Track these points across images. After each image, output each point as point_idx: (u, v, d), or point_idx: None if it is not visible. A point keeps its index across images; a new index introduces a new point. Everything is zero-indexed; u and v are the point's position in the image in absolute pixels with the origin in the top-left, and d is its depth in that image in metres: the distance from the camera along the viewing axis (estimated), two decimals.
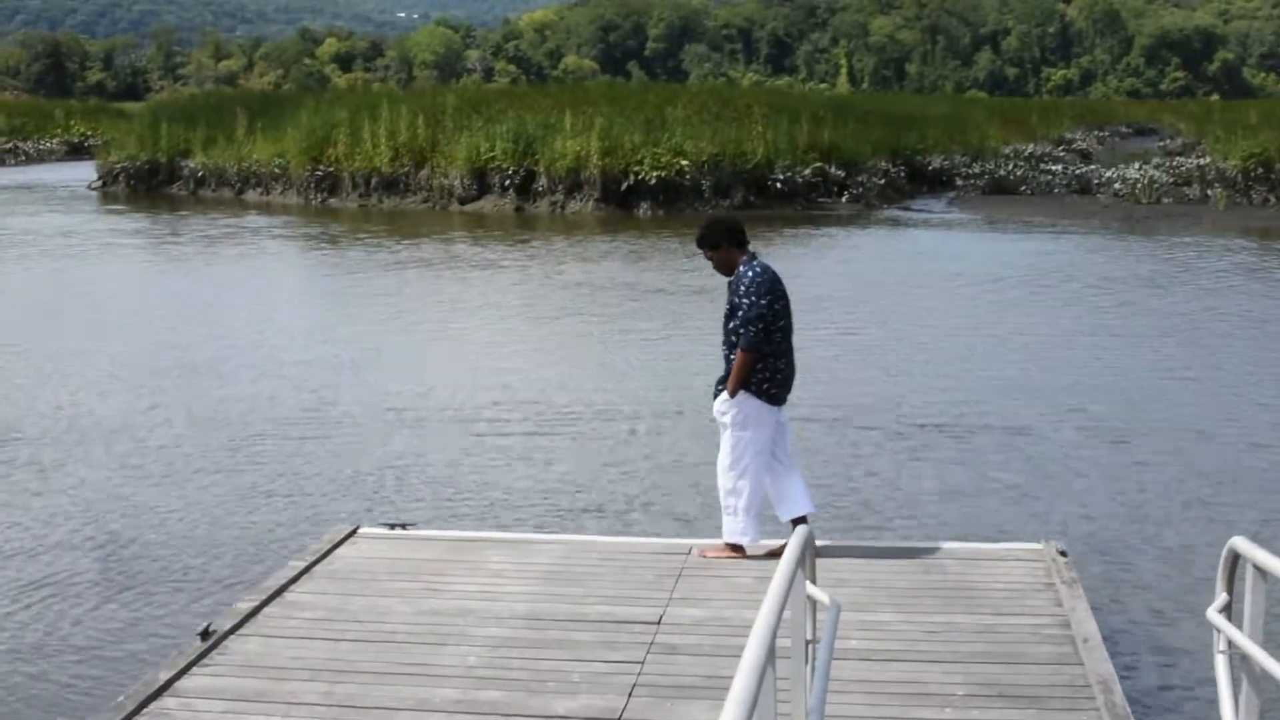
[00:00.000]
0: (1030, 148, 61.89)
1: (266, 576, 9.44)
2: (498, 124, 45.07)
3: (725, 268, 9.58)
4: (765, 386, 9.45)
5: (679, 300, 25.23)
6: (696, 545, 9.90)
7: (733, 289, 9.48)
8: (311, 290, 28.77)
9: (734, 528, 9.57)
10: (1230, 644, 5.70)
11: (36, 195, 53.41)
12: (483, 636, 8.06)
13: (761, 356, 9.37)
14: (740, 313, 9.34)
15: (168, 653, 8.33)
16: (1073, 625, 8.09)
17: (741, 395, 9.42)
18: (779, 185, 43.58)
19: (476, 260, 31.88)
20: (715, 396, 9.63)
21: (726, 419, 9.52)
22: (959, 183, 50.80)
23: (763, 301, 9.30)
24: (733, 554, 9.60)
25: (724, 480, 9.60)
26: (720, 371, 9.66)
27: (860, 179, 45.94)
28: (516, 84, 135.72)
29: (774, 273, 9.51)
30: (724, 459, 9.60)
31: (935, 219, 41.95)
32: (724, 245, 9.54)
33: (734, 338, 9.42)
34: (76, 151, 78.77)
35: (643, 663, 7.63)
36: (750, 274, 9.40)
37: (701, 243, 9.68)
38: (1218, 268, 29.86)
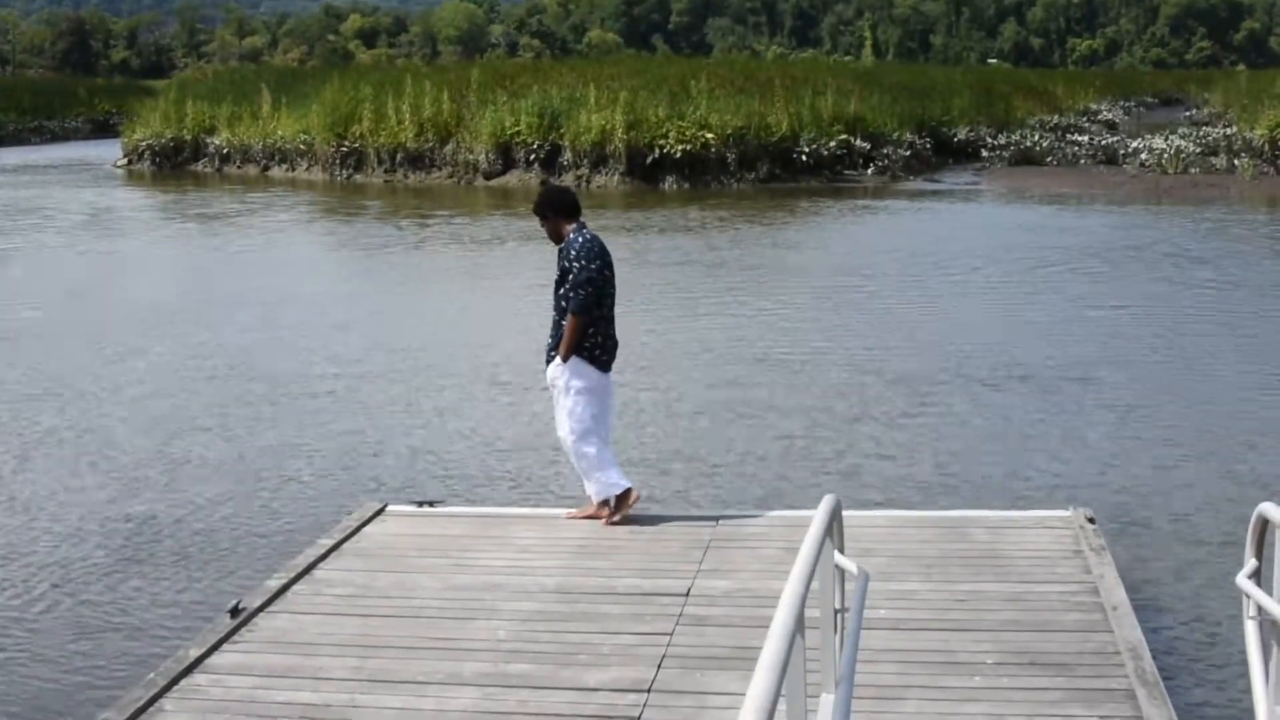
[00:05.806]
0: (1056, 119, 61.68)
1: (296, 554, 9.47)
2: (522, 99, 45.02)
3: (554, 237, 9.84)
4: (597, 353, 9.70)
5: (729, 271, 25.22)
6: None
7: (563, 255, 9.69)
8: (349, 263, 28.83)
9: (600, 487, 9.76)
10: (1260, 610, 5.68)
11: (63, 173, 53.56)
12: (512, 610, 8.09)
13: (592, 321, 9.57)
14: (571, 276, 9.55)
15: (198, 629, 8.36)
16: (1101, 592, 8.08)
17: (574, 360, 9.61)
18: (804, 158, 43.52)
19: (511, 233, 31.87)
20: (548, 363, 9.79)
21: (560, 384, 9.69)
22: (985, 154, 50.71)
23: (593, 266, 9.55)
24: (601, 511, 9.81)
25: (572, 446, 9.75)
26: (548, 338, 9.85)
27: (886, 151, 45.82)
28: (540, 58, 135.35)
29: (602, 242, 9.78)
30: (563, 427, 9.75)
31: (962, 190, 41.77)
32: (551, 216, 9.81)
33: (564, 303, 9.63)
34: (101, 129, 79.09)
35: (671, 634, 7.65)
36: (580, 240, 9.64)
37: (535, 211, 9.98)
38: (1249, 238, 29.69)
